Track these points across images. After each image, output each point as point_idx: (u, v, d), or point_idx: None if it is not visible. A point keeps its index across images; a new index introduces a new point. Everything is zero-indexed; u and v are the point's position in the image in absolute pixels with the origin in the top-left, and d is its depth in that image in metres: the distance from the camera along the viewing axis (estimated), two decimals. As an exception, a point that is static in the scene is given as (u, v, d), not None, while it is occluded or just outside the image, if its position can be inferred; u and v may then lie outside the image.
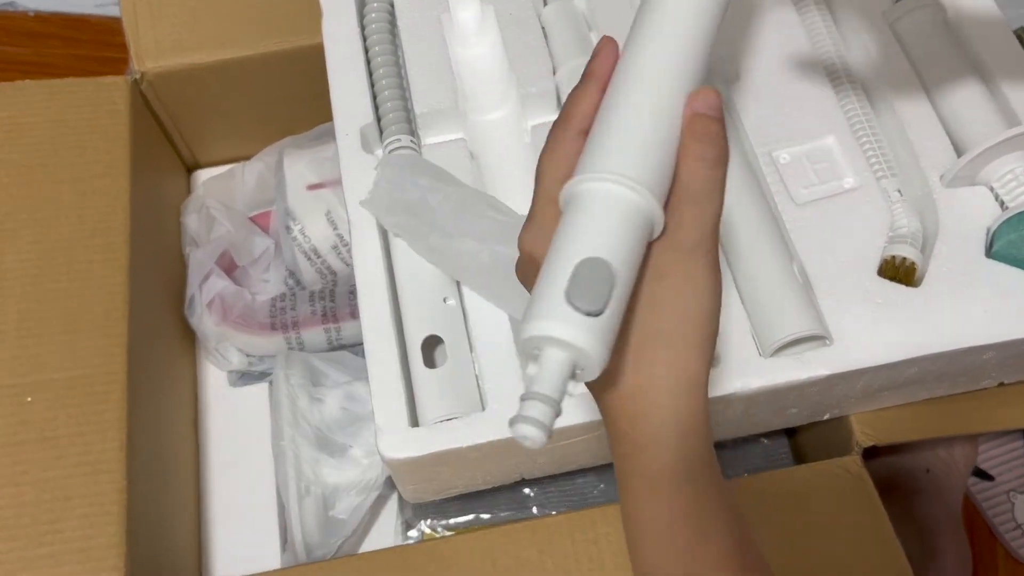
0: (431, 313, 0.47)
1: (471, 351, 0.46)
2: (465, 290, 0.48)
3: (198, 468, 0.61)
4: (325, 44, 0.55)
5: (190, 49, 0.61)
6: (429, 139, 0.53)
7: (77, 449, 0.48)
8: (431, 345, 0.47)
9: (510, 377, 0.44)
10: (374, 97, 0.54)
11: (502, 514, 0.56)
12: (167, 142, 0.68)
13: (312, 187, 0.62)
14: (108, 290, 0.52)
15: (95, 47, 0.92)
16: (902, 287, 0.45)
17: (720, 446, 0.59)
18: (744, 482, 0.51)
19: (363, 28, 0.56)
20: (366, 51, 0.55)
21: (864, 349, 0.44)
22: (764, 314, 0.45)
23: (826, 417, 0.51)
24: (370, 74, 0.55)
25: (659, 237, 0.29)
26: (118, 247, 0.54)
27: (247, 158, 0.67)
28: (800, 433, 0.59)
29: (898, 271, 0.46)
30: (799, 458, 0.59)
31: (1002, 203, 0.48)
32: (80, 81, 0.59)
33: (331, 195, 0.61)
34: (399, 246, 0.49)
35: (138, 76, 0.60)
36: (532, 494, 0.56)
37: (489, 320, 0.46)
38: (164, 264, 0.62)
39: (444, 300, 0.47)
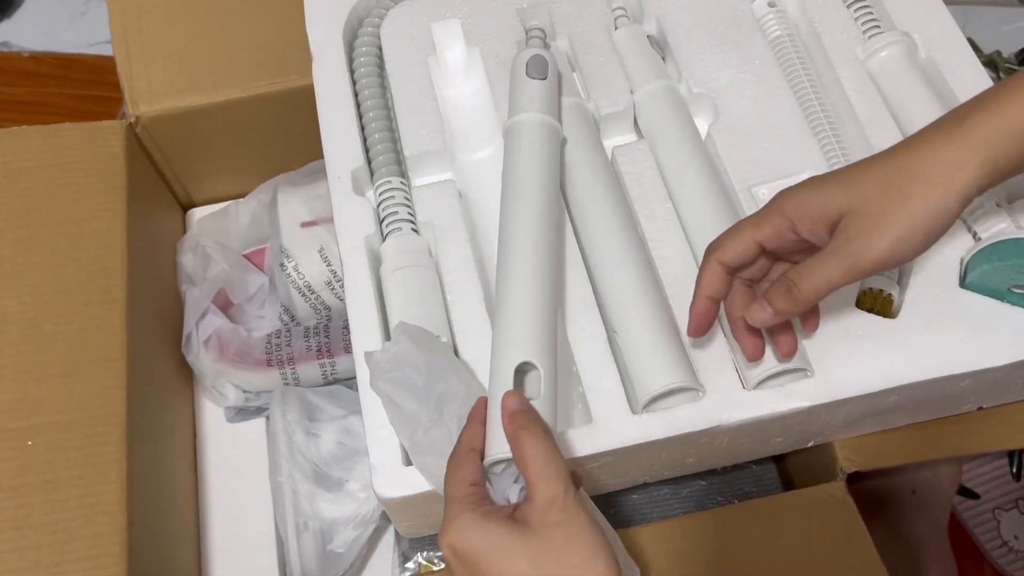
0: None
1: None
2: (457, 328, 0.48)
3: (197, 505, 0.61)
4: (316, 88, 0.56)
5: (183, 91, 0.63)
6: (419, 180, 0.54)
7: (78, 491, 0.49)
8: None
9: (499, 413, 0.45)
10: (364, 140, 0.55)
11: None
12: (162, 182, 0.69)
13: (305, 224, 0.63)
14: (106, 331, 0.53)
15: (89, 86, 0.93)
16: (880, 319, 0.47)
17: (710, 473, 0.61)
18: (734, 509, 0.52)
19: (352, 72, 0.57)
20: (355, 94, 0.57)
21: (844, 380, 0.45)
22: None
23: (810, 444, 0.52)
24: (360, 117, 0.56)
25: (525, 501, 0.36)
26: (115, 288, 0.55)
27: (241, 195, 0.68)
28: (787, 459, 0.61)
29: (875, 303, 0.47)
30: (787, 484, 0.61)
31: (974, 234, 0.49)
32: (76, 126, 0.61)
33: (324, 232, 0.62)
34: (391, 285, 0.49)
35: (133, 120, 0.62)
36: (525, 523, 0.57)
37: (480, 359, 0.47)
38: (161, 303, 0.63)
39: (437, 338, 0.47)
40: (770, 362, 0.44)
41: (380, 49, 0.58)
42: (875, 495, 0.63)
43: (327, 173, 0.53)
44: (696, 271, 0.44)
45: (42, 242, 0.56)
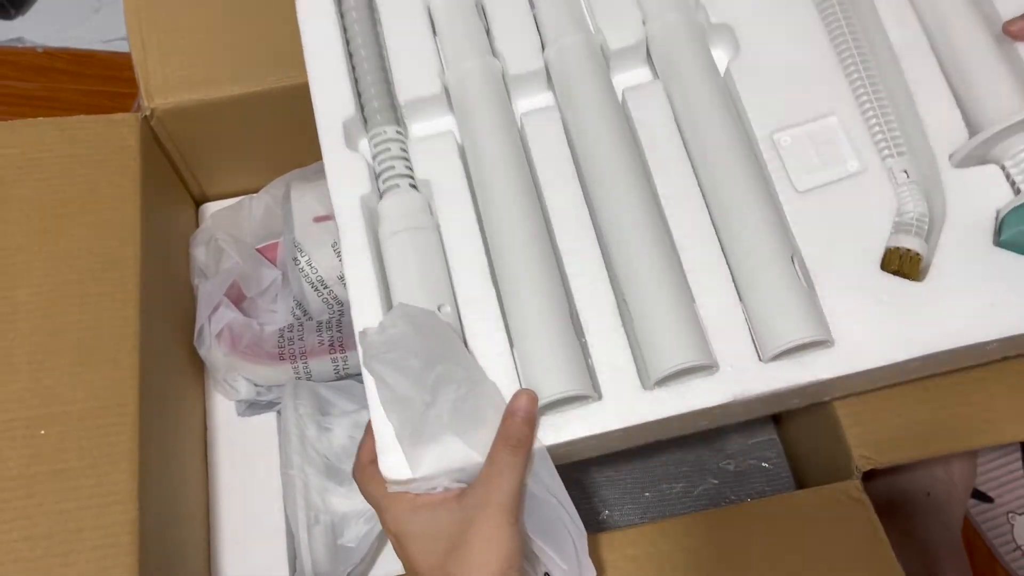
0: None
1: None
2: (462, 297, 0.45)
3: (208, 498, 0.61)
4: (301, 31, 0.52)
5: (198, 85, 0.63)
6: (416, 129, 0.51)
7: (90, 481, 0.49)
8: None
9: (507, 390, 0.43)
10: (357, 86, 0.51)
11: (508, 541, 0.56)
12: (176, 176, 0.69)
13: (319, 219, 0.63)
14: (119, 322, 0.53)
15: (102, 82, 0.94)
16: (905, 282, 0.44)
17: (723, 472, 0.60)
18: (747, 507, 0.52)
19: (341, 10, 0.53)
20: (346, 36, 0.52)
21: (866, 350, 0.43)
22: (764, 317, 0.43)
23: (826, 399, 0.52)
24: (352, 63, 0.51)
25: (467, 492, 0.40)
26: (129, 280, 0.55)
27: (255, 191, 0.68)
28: (801, 457, 0.60)
29: (901, 264, 0.44)
30: (800, 483, 0.60)
31: (1013, 183, 0.45)
32: (91, 118, 0.61)
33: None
34: (390, 250, 0.46)
35: (148, 113, 0.62)
36: (538, 520, 0.57)
37: (485, 329, 0.44)
38: (174, 296, 0.63)
39: (439, 308, 0.45)
40: (790, 333, 0.42)
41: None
42: (889, 498, 0.62)
43: (316, 125, 0.49)
44: (711, 233, 0.45)
45: (56, 233, 0.56)
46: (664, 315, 0.43)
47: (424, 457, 0.41)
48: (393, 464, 0.42)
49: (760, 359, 0.43)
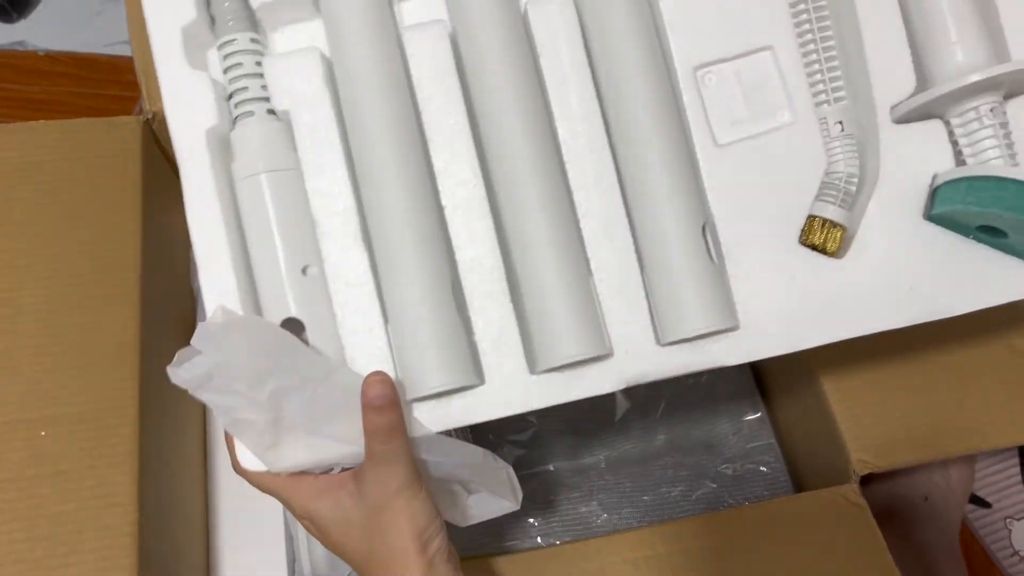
0: (288, 289, 0.39)
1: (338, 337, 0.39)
2: (328, 259, 0.39)
3: (207, 500, 0.61)
4: None
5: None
6: (276, 40, 0.43)
7: (90, 483, 0.49)
8: (293, 331, 0.39)
9: (380, 363, 0.39)
10: None
11: (506, 544, 0.56)
12: (177, 179, 0.69)
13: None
14: (120, 325, 0.53)
15: (104, 85, 0.94)
16: (824, 258, 0.40)
17: (721, 476, 0.60)
18: (746, 511, 0.52)
19: None
20: None
21: (772, 335, 0.40)
22: (665, 298, 0.39)
23: None
24: None
25: (362, 479, 0.39)
26: (129, 282, 0.55)
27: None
28: (799, 461, 0.60)
29: (823, 236, 0.40)
30: (798, 486, 0.60)
31: (957, 147, 0.41)
32: (92, 121, 0.61)
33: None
34: (243, 198, 0.40)
35: (149, 116, 0.62)
36: (536, 524, 0.57)
37: (352, 299, 0.39)
38: (174, 298, 0.63)
39: (303, 271, 0.39)
40: (689, 322, 0.39)
41: None
42: (886, 502, 0.63)
43: (148, 26, 0.41)
44: (616, 193, 0.40)
45: (57, 235, 0.56)
46: (558, 296, 0.38)
47: (288, 459, 0.39)
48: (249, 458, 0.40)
49: (658, 341, 0.40)
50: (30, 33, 1.07)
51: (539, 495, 0.59)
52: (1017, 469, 0.71)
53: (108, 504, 0.48)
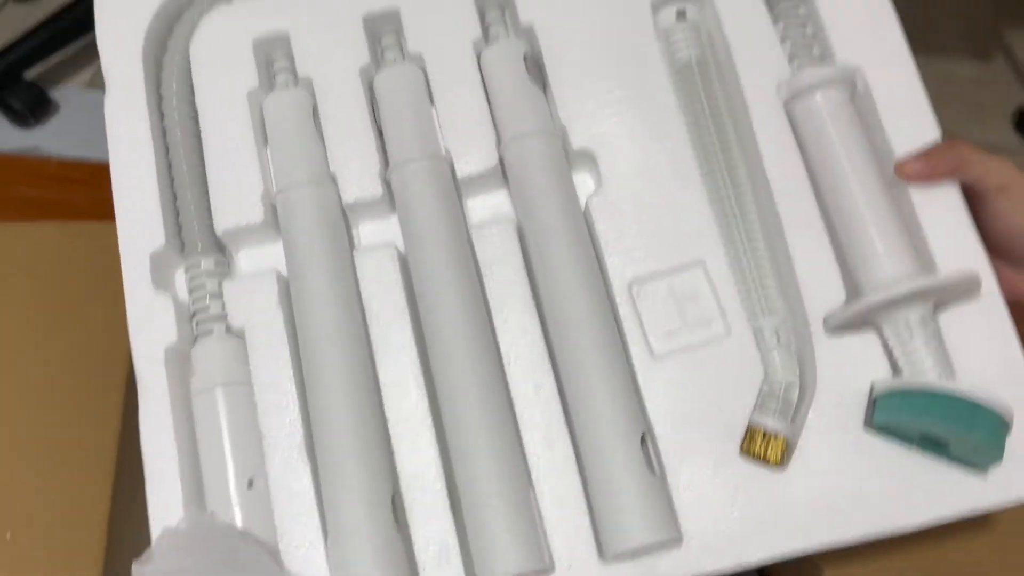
0: (235, 502, 0.41)
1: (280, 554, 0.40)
2: (271, 475, 0.41)
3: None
4: (108, 133, 0.46)
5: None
6: (240, 261, 0.46)
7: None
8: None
9: None
10: (175, 203, 0.45)
11: None
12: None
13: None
14: (100, 432, 0.53)
15: None
16: (764, 470, 0.40)
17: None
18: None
19: (160, 106, 0.47)
20: (166, 139, 0.46)
21: (717, 549, 0.39)
22: (606, 511, 0.39)
23: None
24: (171, 175, 0.46)
25: None
26: (113, 392, 0.55)
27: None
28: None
29: (763, 448, 0.40)
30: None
31: (891, 355, 0.41)
32: (97, 225, 0.60)
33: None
34: (196, 411, 0.42)
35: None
36: None
37: (293, 512, 0.40)
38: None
39: (250, 483, 0.41)
40: (629, 535, 0.38)
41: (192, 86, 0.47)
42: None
43: (120, 253, 0.44)
44: (556, 405, 0.41)
45: (48, 335, 0.56)
46: (496, 510, 0.39)
47: None
48: None
49: (601, 555, 0.40)
50: (45, 140, 1.12)
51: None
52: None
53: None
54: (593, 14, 0.47)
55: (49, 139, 1.12)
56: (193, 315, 0.44)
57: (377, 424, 0.41)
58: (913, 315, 0.40)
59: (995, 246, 0.43)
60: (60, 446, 0.53)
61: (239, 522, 0.40)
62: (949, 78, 1.43)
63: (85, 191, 0.95)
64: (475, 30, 0.47)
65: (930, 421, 0.38)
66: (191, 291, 0.44)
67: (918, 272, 0.41)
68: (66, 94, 1.23)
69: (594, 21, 0.46)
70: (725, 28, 0.46)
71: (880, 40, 0.45)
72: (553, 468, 0.41)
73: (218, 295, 0.44)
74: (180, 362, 0.43)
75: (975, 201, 0.43)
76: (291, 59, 0.48)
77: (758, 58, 0.45)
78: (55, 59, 1.31)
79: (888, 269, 0.41)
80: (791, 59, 0.46)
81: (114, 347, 0.56)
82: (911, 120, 0.44)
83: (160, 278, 0.44)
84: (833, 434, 0.41)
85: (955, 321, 0.42)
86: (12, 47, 1.24)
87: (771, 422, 0.40)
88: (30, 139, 1.07)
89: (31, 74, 1.24)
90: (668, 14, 0.47)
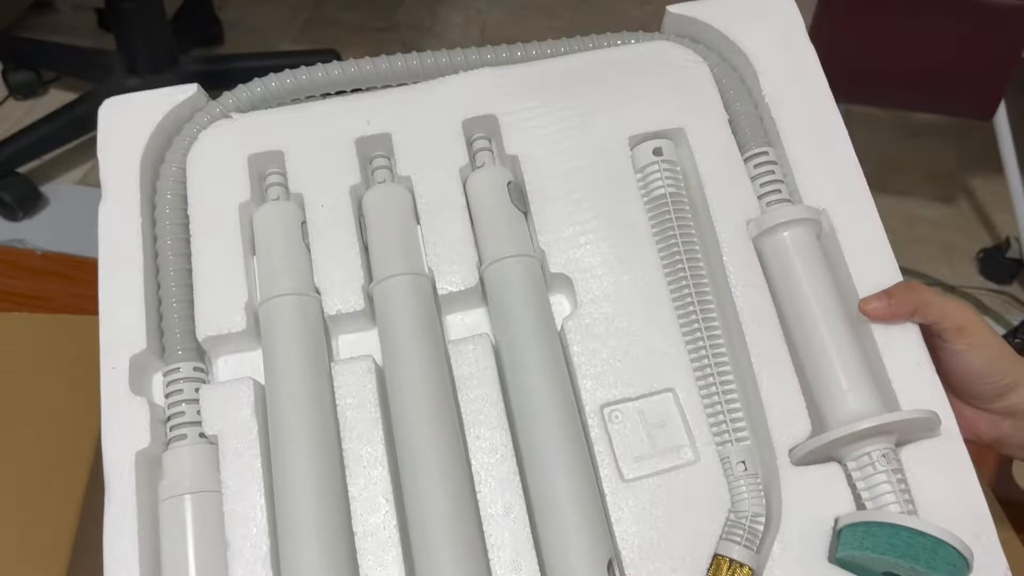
0: None
1: None
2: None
3: None
4: (99, 235, 0.47)
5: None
6: (220, 369, 0.46)
7: None
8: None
9: None
10: (159, 311, 0.46)
11: None
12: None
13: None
14: (56, 531, 0.52)
15: (92, 286, 0.96)
16: None
17: None
18: None
19: (154, 215, 0.48)
20: (155, 247, 0.47)
21: None
22: None
23: None
24: (158, 281, 0.47)
25: None
26: (75, 484, 0.54)
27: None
28: None
29: None
30: None
31: (854, 489, 0.42)
32: (70, 317, 0.62)
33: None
34: (162, 517, 0.42)
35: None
36: None
37: None
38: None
39: None
40: None
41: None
42: None
43: (100, 354, 0.44)
44: (525, 529, 0.41)
45: (9, 429, 0.56)
46: None
47: None
48: None
49: None
50: (31, 232, 1.14)
51: None
52: None
53: None
54: (575, 147, 0.49)
55: (34, 232, 1.13)
56: (167, 419, 0.44)
57: (344, 537, 0.41)
58: (876, 450, 0.42)
59: (954, 386, 0.45)
60: (18, 539, 0.52)
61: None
62: (916, 219, 1.50)
63: (62, 283, 0.97)
64: (463, 156, 0.49)
65: (892, 556, 0.39)
66: (167, 395, 0.45)
67: (881, 409, 0.43)
68: (57, 190, 1.26)
69: (575, 154, 0.49)
70: (699, 166, 0.49)
71: (844, 184, 0.48)
72: (519, 598, 0.40)
73: (194, 400, 0.44)
74: (150, 466, 0.43)
75: (934, 342, 0.45)
76: (284, 174, 0.50)
77: (729, 195, 0.48)
78: (49, 156, 1.34)
79: (852, 405, 0.43)
80: (760, 198, 0.48)
81: (79, 443, 0.56)
82: (873, 260, 0.46)
83: (138, 381, 0.45)
84: (798, 566, 0.41)
85: (917, 458, 0.43)
86: (8, 141, 1.27)
87: (737, 552, 0.41)
88: (17, 231, 1.08)
89: (24, 168, 1.27)
90: (645, 150, 0.49)
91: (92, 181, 1.34)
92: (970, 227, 1.50)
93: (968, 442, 0.43)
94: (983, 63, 1.17)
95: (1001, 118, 1.28)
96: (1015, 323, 1.28)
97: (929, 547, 0.38)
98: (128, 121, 0.50)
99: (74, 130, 1.32)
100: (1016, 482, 0.65)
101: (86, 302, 0.93)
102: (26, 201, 1.19)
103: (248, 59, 1.54)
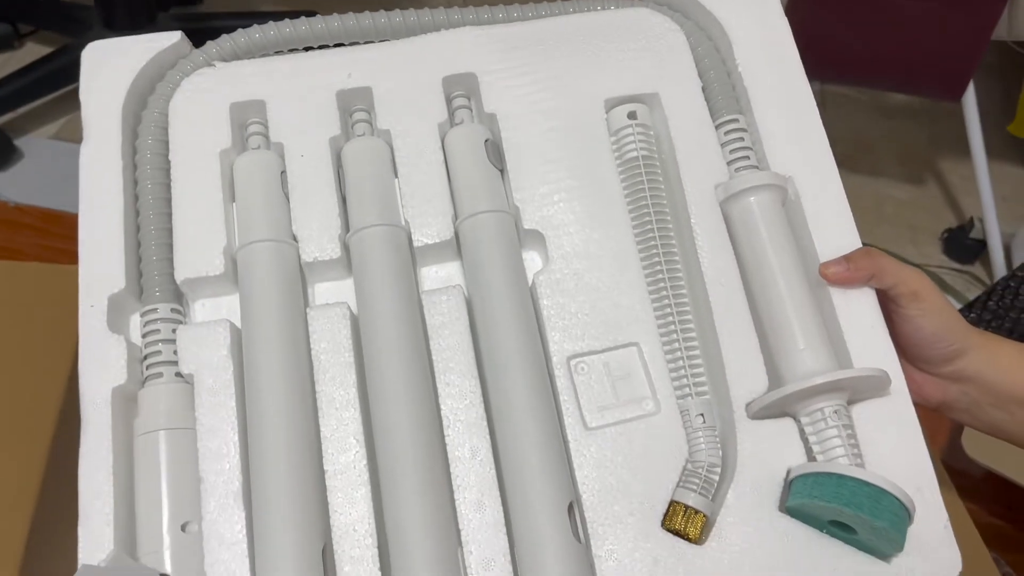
0: (167, 545, 0.41)
1: None
2: (208, 510, 0.41)
3: None
4: (80, 181, 0.48)
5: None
6: (199, 308, 0.47)
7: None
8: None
9: None
10: (139, 253, 0.47)
11: None
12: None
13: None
14: (25, 459, 0.53)
15: (65, 241, 0.95)
16: (683, 543, 0.42)
17: None
18: None
19: (135, 160, 0.49)
20: (136, 190, 0.48)
21: None
22: (532, 575, 0.41)
23: None
24: (138, 223, 0.48)
25: None
26: (42, 433, 0.55)
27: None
28: None
29: (683, 523, 0.42)
30: None
31: (806, 443, 0.44)
32: (40, 265, 0.63)
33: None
34: (137, 453, 0.43)
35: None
36: None
37: (223, 560, 0.40)
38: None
39: (183, 527, 0.41)
40: None
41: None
42: None
43: (79, 292, 0.45)
44: (490, 471, 0.42)
45: None
46: (423, 567, 0.40)
47: None
48: None
49: None
50: (4, 186, 1.13)
51: None
52: None
53: None
54: (552, 108, 0.51)
55: (8, 185, 1.12)
56: (144, 358, 0.45)
57: (314, 476, 0.42)
58: (828, 406, 0.43)
59: (905, 350, 0.47)
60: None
61: (168, 566, 0.41)
62: (886, 199, 1.53)
63: (35, 235, 0.97)
64: (442, 113, 0.50)
65: (838, 504, 0.41)
66: (144, 335, 0.45)
67: (835, 367, 0.45)
68: (32, 143, 1.25)
69: (552, 114, 0.50)
70: (672, 131, 0.50)
71: (810, 153, 0.50)
72: (483, 530, 0.42)
73: (171, 341, 0.45)
74: (126, 403, 0.44)
75: (889, 306, 0.47)
76: (265, 124, 0.50)
77: (699, 160, 0.50)
78: (25, 109, 1.33)
79: (808, 363, 0.45)
80: (730, 163, 0.50)
81: (49, 386, 0.56)
82: (835, 227, 0.48)
83: (115, 320, 0.45)
84: (750, 514, 0.43)
85: (867, 416, 0.45)
86: (-17, 93, 1.26)
87: (693, 499, 0.42)
88: (-9, 184, 1.08)
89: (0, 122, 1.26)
90: (620, 114, 0.51)
91: (67, 135, 1.34)
92: (937, 208, 1.53)
93: (917, 405, 0.45)
94: (953, 44, 1.20)
95: (969, 99, 1.30)
96: (975, 301, 1.31)
97: (873, 496, 0.40)
98: (111, 66, 0.51)
99: (50, 84, 1.31)
100: (965, 451, 0.67)
101: (59, 255, 0.94)
102: (1, 154, 1.18)
103: (228, 18, 1.53)
